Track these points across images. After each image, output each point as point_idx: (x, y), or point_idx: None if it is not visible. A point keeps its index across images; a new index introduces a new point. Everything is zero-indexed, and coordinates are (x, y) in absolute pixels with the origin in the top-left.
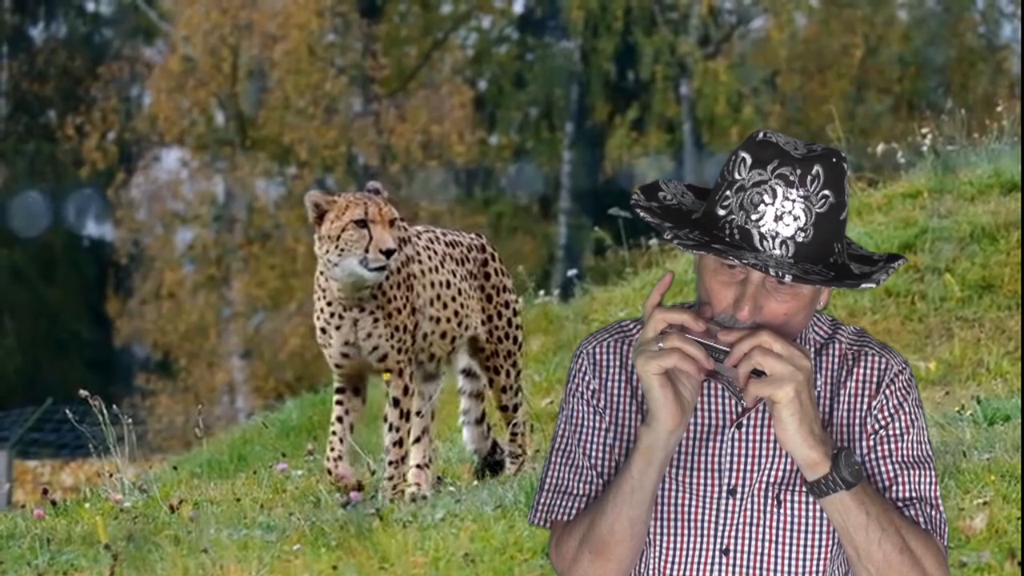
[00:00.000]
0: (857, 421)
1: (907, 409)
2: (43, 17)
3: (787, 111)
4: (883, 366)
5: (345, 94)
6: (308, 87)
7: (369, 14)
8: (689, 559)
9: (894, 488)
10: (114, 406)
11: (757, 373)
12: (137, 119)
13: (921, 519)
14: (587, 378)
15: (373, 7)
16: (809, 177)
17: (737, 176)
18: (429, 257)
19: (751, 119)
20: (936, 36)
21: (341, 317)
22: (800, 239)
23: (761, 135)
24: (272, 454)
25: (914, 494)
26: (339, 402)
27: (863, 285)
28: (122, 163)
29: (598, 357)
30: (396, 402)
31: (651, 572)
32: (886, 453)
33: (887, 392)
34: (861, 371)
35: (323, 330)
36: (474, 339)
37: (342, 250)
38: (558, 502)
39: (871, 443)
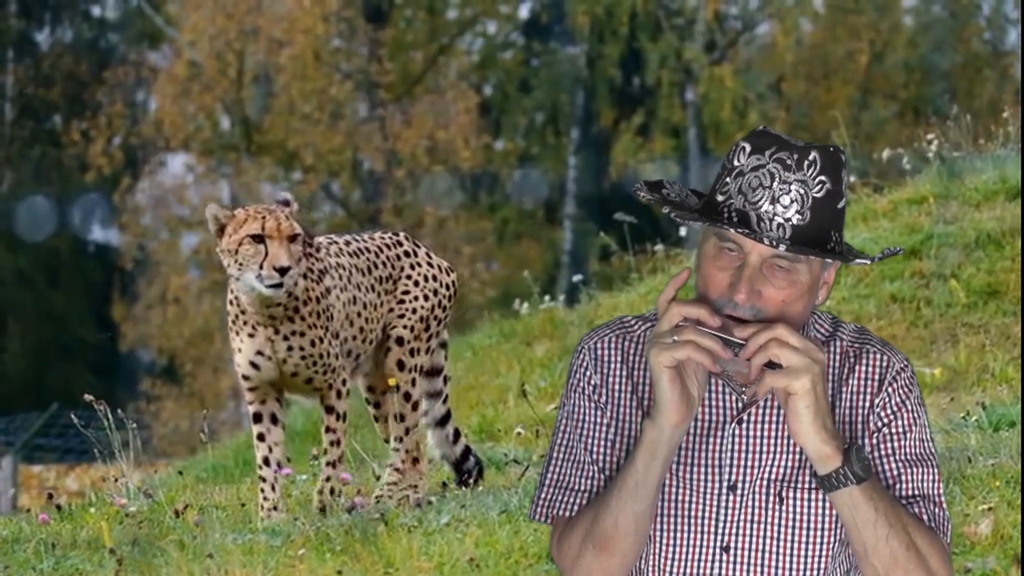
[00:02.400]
0: (860, 419)
1: (909, 407)
2: (49, 22)
3: (792, 117)
4: (885, 364)
5: (350, 99)
6: (313, 92)
7: (375, 19)
8: (689, 556)
9: (898, 486)
10: (119, 411)
11: (771, 366)
12: (143, 124)
13: (925, 516)
14: (588, 373)
15: (379, 12)
16: (806, 162)
17: (736, 163)
18: (339, 275)
19: (756, 124)
20: (942, 42)
21: (254, 329)
22: (796, 222)
23: (762, 127)
24: (281, 459)
25: (917, 492)
26: (260, 437)
27: (856, 261)
28: (128, 168)
29: (599, 352)
30: (331, 409)
31: (651, 569)
32: (889, 451)
33: (889, 390)
34: (863, 369)
35: (234, 339)
36: (384, 339)
37: (240, 264)
38: (559, 498)
39: (874, 441)
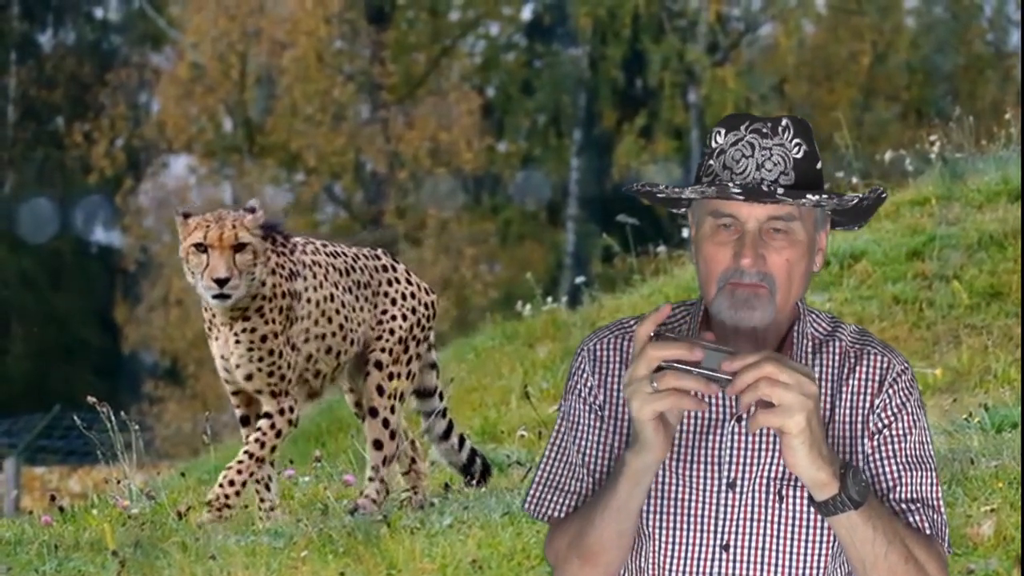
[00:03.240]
0: (860, 419)
1: (910, 409)
2: (51, 24)
3: None
4: (885, 365)
5: (353, 101)
6: (316, 94)
7: (377, 21)
8: (689, 554)
9: (897, 488)
10: (122, 412)
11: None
12: (145, 126)
13: (925, 523)
14: (585, 375)
15: (381, 14)
16: (780, 127)
17: (714, 145)
18: (314, 274)
19: None
20: (944, 43)
21: (219, 332)
22: (784, 182)
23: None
24: (279, 460)
25: (916, 496)
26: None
27: (849, 195)
28: (130, 170)
29: (598, 353)
30: (268, 415)
31: (651, 567)
32: (889, 453)
33: (890, 391)
34: (864, 370)
35: (211, 345)
36: (361, 352)
37: (192, 272)
38: (549, 497)
39: (875, 443)
